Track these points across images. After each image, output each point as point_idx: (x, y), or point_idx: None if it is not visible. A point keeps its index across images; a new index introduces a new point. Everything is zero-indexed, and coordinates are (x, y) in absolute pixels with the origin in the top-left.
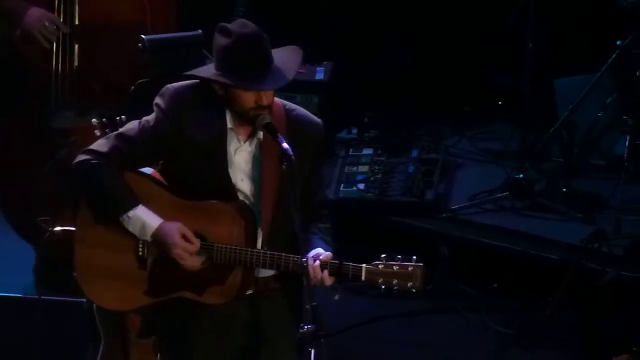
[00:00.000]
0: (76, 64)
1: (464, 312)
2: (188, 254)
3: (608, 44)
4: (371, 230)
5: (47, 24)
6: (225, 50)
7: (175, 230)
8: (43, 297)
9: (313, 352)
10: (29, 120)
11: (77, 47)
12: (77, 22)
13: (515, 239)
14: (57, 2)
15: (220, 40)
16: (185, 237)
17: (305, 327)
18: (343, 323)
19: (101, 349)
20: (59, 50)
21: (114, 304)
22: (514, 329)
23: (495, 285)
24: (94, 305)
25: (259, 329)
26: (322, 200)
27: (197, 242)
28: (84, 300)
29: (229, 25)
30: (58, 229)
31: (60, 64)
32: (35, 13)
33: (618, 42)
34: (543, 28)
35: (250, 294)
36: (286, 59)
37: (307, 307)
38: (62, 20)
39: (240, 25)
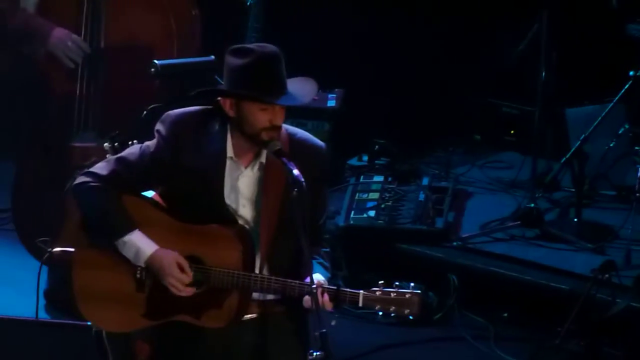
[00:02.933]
0: (100, 85)
1: (473, 340)
2: (181, 285)
3: (620, 74)
4: (380, 258)
5: (69, 44)
6: (244, 68)
7: (171, 259)
8: (55, 320)
9: None
10: (50, 140)
11: (102, 68)
12: (102, 44)
13: (525, 268)
14: (84, 23)
15: (235, 60)
16: (180, 267)
17: (314, 353)
18: (351, 351)
19: None
20: (84, 71)
21: (111, 325)
22: (522, 358)
23: (505, 314)
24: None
25: (263, 352)
26: (324, 224)
27: (190, 274)
28: None
29: (246, 45)
30: (57, 249)
31: (84, 85)
32: (58, 33)
33: (630, 73)
34: (554, 57)
35: (255, 317)
36: (300, 85)
37: (316, 333)
38: (88, 42)
39: (258, 45)
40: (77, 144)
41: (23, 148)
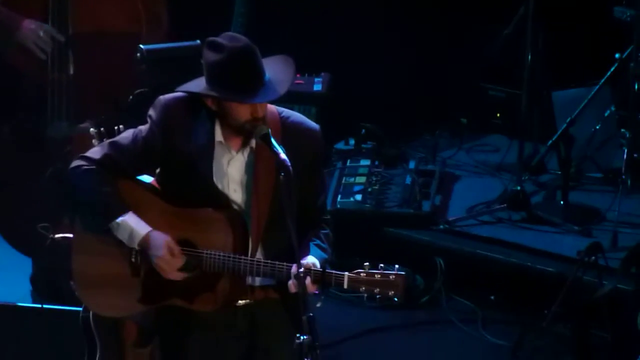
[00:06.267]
0: (71, 72)
1: (460, 323)
2: (170, 268)
3: (606, 56)
4: (367, 241)
5: (41, 34)
6: (218, 65)
7: (163, 242)
8: (44, 306)
9: None
10: (24, 130)
11: (71, 56)
12: (70, 32)
13: (512, 251)
14: (50, 11)
15: (211, 56)
16: (171, 251)
17: (301, 337)
18: (338, 334)
19: (97, 358)
20: (54, 60)
21: (109, 310)
22: (509, 340)
23: (491, 297)
24: (91, 313)
25: (256, 339)
26: (323, 205)
27: (180, 258)
28: (81, 308)
29: (219, 40)
30: (58, 235)
31: (55, 74)
32: (29, 25)
33: (616, 55)
34: (540, 40)
35: (248, 303)
36: (278, 70)
37: (303, 317)
38: (56, 28)
39: (230, 38)
40: (51, 134)
41: None
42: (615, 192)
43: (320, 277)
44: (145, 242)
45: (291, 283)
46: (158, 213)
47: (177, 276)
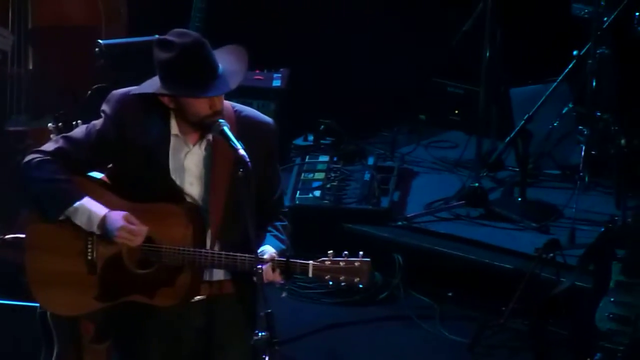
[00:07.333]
0: (30, 67)
1: (418, 320)
2: (134, 235)
3: (564, 53)
4: (326, 237)
5: None
6: (170, 63)
7: (121, 215)
8: None
9: (267, 359)
10: None
11: (30, 50)
12: (29, 26)
13: (470, 247)
14: (10, 7)
15: (162, 54)
16: (131, 221)
17: (260, 333)
18: (297, 330)
19: (54, 353)
20: (13, 54)
21: (64, 309)
22: (467, 337)
23: (449, 294)
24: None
25: (212, 334)
26: (280, 198)
27: (143, 227)
28: (38, 304)
29: (169, 37)
30: (9, 236)
31: (14, 68)
32: None
33: (574, 52)
34: (499, 36)
35: (204, 298)
36: (232, 61)
37: (262, 313)
38: (16, 23)
39: (179, 35)
40: (10, 128)
41: None
42: (573, 188)
43: (284, 267)
44: (103, 221)
45: (264, 271)
46: (113, 208)
47: (138, 238)
